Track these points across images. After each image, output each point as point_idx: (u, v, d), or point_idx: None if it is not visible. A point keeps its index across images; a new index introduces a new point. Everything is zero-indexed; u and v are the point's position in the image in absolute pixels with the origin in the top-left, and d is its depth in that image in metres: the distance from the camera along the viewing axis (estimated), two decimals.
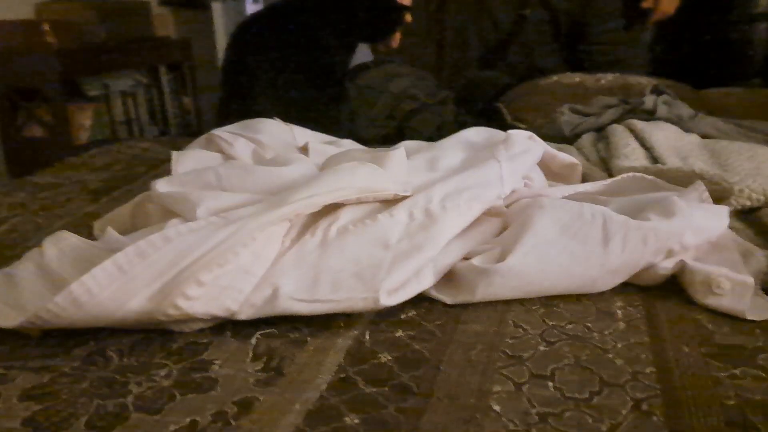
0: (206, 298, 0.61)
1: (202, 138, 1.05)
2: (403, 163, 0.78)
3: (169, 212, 0.73)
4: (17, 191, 1.17)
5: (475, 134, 0.94)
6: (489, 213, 0.76)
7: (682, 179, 0.87)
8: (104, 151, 1.49)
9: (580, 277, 0.68)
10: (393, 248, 0.66)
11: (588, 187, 0.87)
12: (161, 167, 1.29)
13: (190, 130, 3.15)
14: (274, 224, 0.65)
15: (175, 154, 0.94)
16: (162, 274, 0.60)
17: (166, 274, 0.60)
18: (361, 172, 0.74)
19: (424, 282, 0.67)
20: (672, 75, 1.72)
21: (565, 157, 0.96)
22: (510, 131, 0.88)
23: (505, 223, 0.77)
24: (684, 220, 0.70)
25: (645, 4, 1.76)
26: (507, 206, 0.79)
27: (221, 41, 3.26)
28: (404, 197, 0.72)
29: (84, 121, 2.61)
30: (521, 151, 0.84)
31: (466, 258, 0.71)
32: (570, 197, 0.83)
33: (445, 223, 0.69)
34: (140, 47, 2.85)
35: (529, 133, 0.90)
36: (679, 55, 2.61)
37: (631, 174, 0.89)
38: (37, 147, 2.47)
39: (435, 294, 0.69)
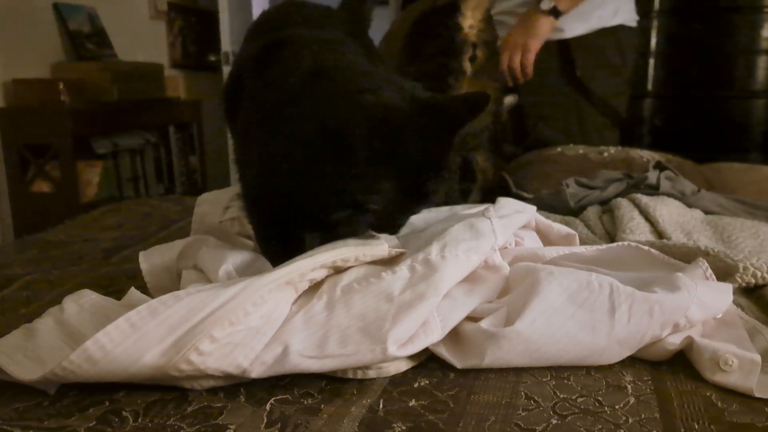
0: (218, 354, 0.62)
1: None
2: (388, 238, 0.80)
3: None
4: (29, 249, 1.18)
5: (462, 209, 0.97)
6: (487, 267, 0.77)
7: (687, 255, 0.89)
8: (114, 209, 1.51)
9: (587, 346, 0.69)
10: (396, 299, 0.68)
11: (583, 249, 0.89)
12: (172, 227, 1.31)
13: (196, 188, 3.20)
14: (280, 283, 0.67)
15: (199, 199, 0.99)
16: (174, 329, 0.61)
17: (178, 330, 0.61)
18: (353, 240, 0.76)
19: (432, 336, 0.68)
20: (671, 147, 1.76)
21: (561, 228, 0.98)
22: (499, 198, 0.91)
23: (507, 281, 0.79)
24: (689, 294, 0.71)
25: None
26: (509, 263, 0.80)
27: None
28: (400, 255, 0.74)
29: (92, 177, 2.65)
30: (510, 213, 0.87)
31: (473, 319, 0.72)
32: (564, 256, 0.85)
33: (445, 271, 0.70)
34: (151, 107, 2.92)
35: (519, 201, 0.94)
36: (679, 128, 2.68)
37: (626, 243, 0.91)
38: (44, 203, 2.50)
39: (445, 354, 0.70)
